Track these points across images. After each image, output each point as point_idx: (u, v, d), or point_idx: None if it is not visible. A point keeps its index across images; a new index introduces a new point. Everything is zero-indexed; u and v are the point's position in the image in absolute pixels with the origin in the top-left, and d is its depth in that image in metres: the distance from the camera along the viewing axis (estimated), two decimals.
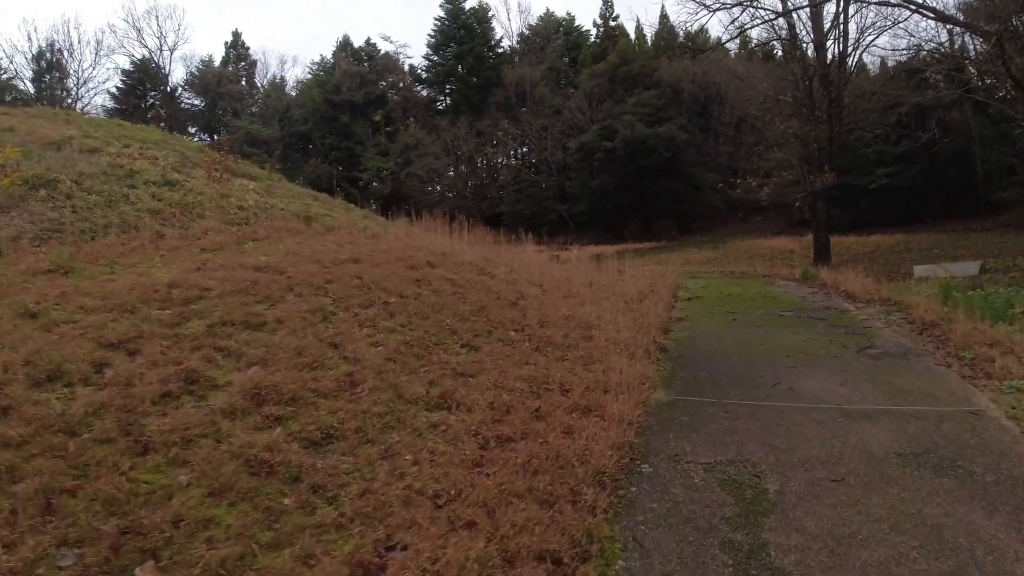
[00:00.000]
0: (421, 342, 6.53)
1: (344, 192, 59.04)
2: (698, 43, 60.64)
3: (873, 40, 31.17)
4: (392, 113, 64.80)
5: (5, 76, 63.81)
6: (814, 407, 5.88)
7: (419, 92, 70.63)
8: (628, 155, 49.59)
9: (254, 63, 72.09)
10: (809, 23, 27.61)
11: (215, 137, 66.42)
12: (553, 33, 70.86)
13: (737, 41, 57.92)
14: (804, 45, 28.87)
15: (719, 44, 30.05)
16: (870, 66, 46.69)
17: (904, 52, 32.07)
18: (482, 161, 63.80)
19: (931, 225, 38.14)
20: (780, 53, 41.70)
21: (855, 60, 29.88)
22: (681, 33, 65.20)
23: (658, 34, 65.17)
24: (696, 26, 45.19)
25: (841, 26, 27.02)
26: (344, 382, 5.43)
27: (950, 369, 6.98)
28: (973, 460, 4.76)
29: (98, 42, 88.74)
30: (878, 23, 26.88)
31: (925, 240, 32.91)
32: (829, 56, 27.83)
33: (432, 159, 56.07)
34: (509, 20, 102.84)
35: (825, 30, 27.61)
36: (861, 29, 27.71)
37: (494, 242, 17.47)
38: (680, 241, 49.40)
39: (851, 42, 27.69)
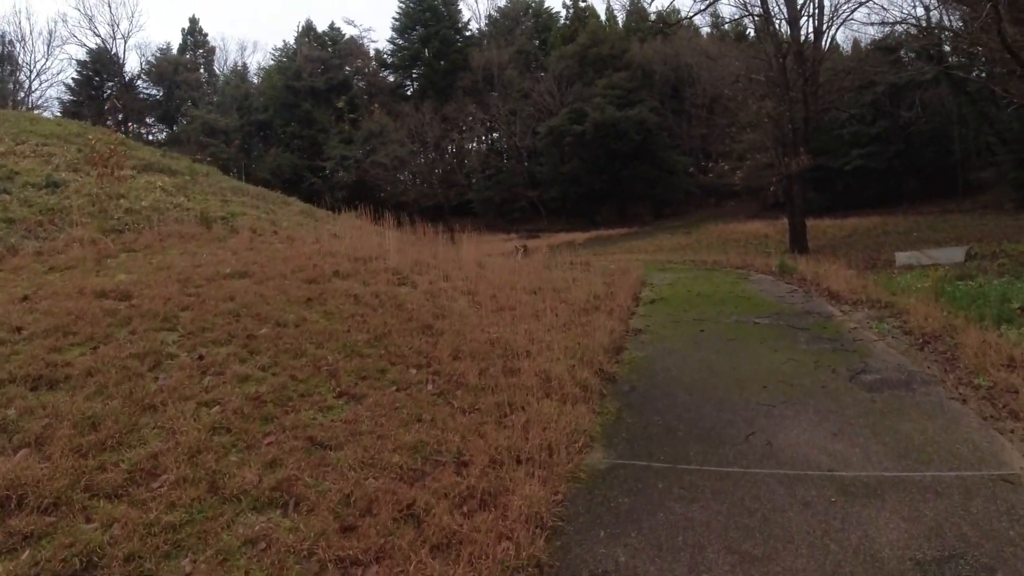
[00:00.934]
0: (280, 394, 4.95)
1: (307, 183, 57.22)
2: (669, 22, 59.37)
3: (850, 15, 29.76)
4: (356, 99, 62.67)
5: None
6: (800, 476, 4.37)
7: (385, 77, 68.53)
8: (599, 139, 48.05)
9: (212, 50, 69.52)
10: None
11: (174, 128, 63.91)
12: (522, 15, 68.95)
13: (709, 21, 56.64)
14: (777, 21, 27.43)
15: (689, 18, 28.31)
16: (843, 46, 45.60)
17: (880, 27, 30.74)
18: (450, 148, 61.93)
19: (908, 207, 37.07)
20: (752, 32, 40.36)
21: (830, 37, 28.53)
22: (652, 13, 63.84)
23: (629, 15, 63.57)
24: (666, 3, 43.49)
25: (816, 0, 25.60)
26: (141, 472, 3.84)
27: (966, 405, 5.51)
28: (1017, 567, 3.31)
29: (51, 32, 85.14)
30: None
31: (903, 223, 31.71)
32: (803, 33, 26.43)
33: (397, 146, 54.03)
34: (476, 2, 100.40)
35: (799, 5, 26.17)
36: (835, 5, 26.28)
37: (448, 237, 15.94)
38: (654, 227, 48.06)
39: (826, 17, 26.29)
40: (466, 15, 70.76)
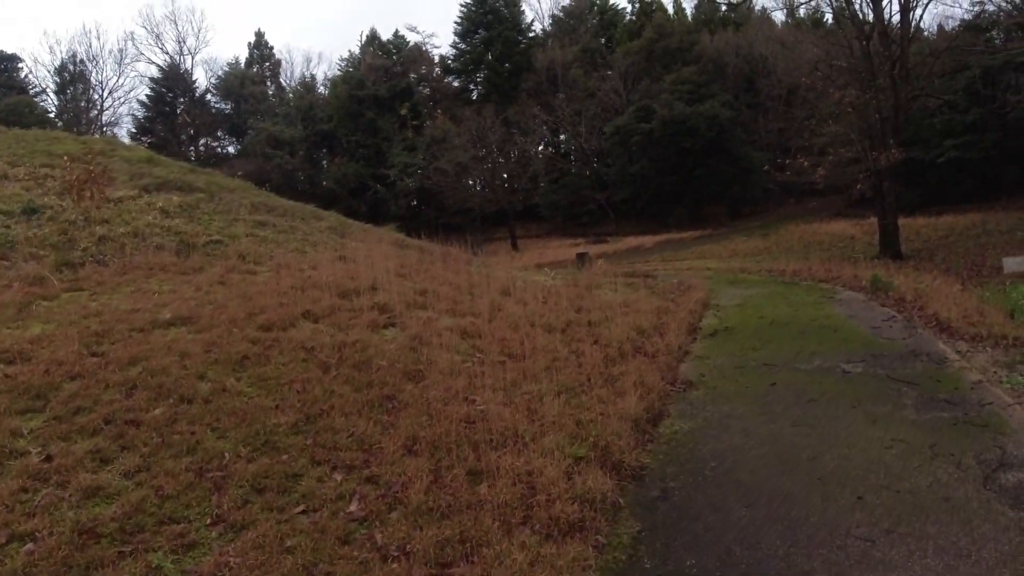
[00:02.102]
0: (129, 521, 3.34)
1: (371, 191, 56.74)
2: (740, 13, 56.25)
3: None
4: (419, 106, 61.91)
5: (32, 91, 63.27)
6: None
7: (449, 82, 67.57)
8: (668, 137, 45.50)
9: (278, 63, 70.10)
10: None
11: (241, 141, 64.65)
12: (587, 12, 66.81)
13: (783, 7, 53.28)
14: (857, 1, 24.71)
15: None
16: (928, 29, 42.04)
17: (971, 5, 27.48)
18: (513, 151, 60.46)
19: (1008, 202, 33.25)
20: (830, 20, 37.39)
21: (919, 15, 25.54)
22: (723, 4, 60.78)
23: (698, 6, 60.67)
24: None
25: None
26: None
27: None
28: None
29: (121, 51, 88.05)
30: None
31: (1004, 220, 28.17)
32: (888, 11, 23.69)
33: (460, 151, 52.78)
34: (539, 2, 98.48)
35: None
36: None
37: (510, 244, 14.32)
38: (729, 228, 45.24)
39: None
40: (529, 16, 69.00)
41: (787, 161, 39.59)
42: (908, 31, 23.68)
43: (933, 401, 5.70)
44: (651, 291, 12.64)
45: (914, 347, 7.51)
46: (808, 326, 8.90)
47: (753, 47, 49.17)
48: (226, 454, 4.03)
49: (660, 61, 50.76)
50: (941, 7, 70.99)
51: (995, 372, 6.44)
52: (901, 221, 25.54)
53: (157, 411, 4.44)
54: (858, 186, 26.92)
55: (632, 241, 44.13)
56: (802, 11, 49.75)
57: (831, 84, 26.33)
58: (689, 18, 61.19)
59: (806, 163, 23.41)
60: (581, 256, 28.57)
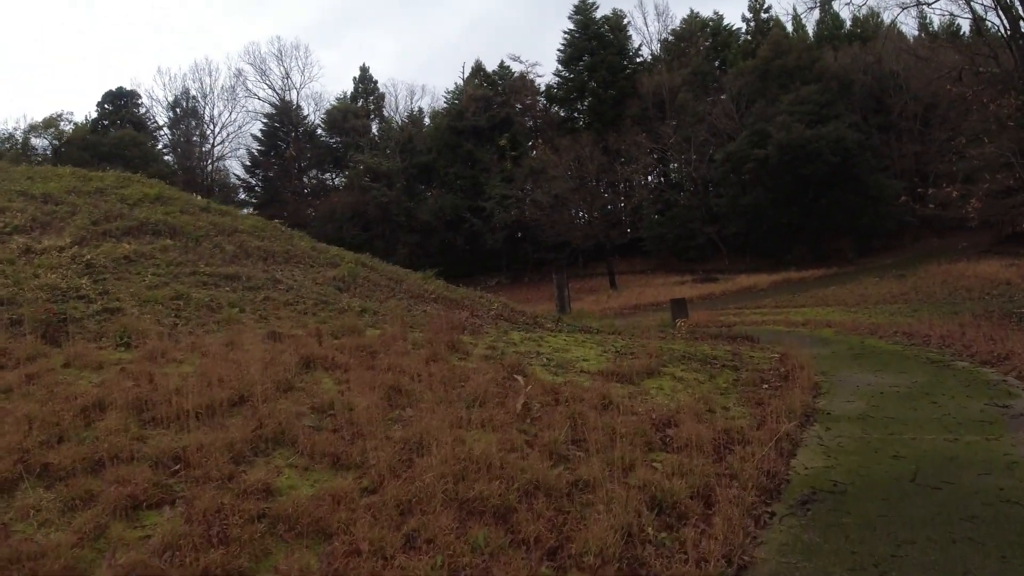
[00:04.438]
0: None
1: (467, 224, 54.81)
2: (867, 27, 50.84)
3: None
4: (519, 136, 59.81)
5: (152, 126, 65.97)
6: None
7: (551, 112, 65.24)
8: (785, 163, 40.93)
9: (382, 96, 70.06)
10: None
11: (344, 173, 64.58)
12: (698, 34, 62.89)
13: (915, 22, 47.69)
14: None
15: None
16: None
17: None
18: (621, 183, 57.15)
19: None
20: (966, 31, 32.22)
21: None
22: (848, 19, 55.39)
23: (820, 22, 55.63)
24: (865, 10, 36.25)
25: None
26: None
27: None
28: None
29: (232, 87, 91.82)
30: None
31: None
32: None
33: (560, 183, 49.91)
34: (646, 25, 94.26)
35: None
36: None
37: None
38: (857, 266, 39.94)
39: None
40: (636, 41, 65.69)
41: (929, 191, 34.16)
42: None
43: None
44: (733, 378, 9.20)
45: None
46: (983, 486, 5.12)
47: (883, 63, 43.88)
48: None
49: (777, 81, 46.35)
50: None
51: None
52: None
53: None
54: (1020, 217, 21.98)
55: (744, 280, 39.67)
56: (936, 21, 44.22)
57: (982, 94, 21.69)
58: (810, 35, 56.20)
59: (955, 192, 18.86)
60: (677, 303, 24.93)
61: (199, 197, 16.04)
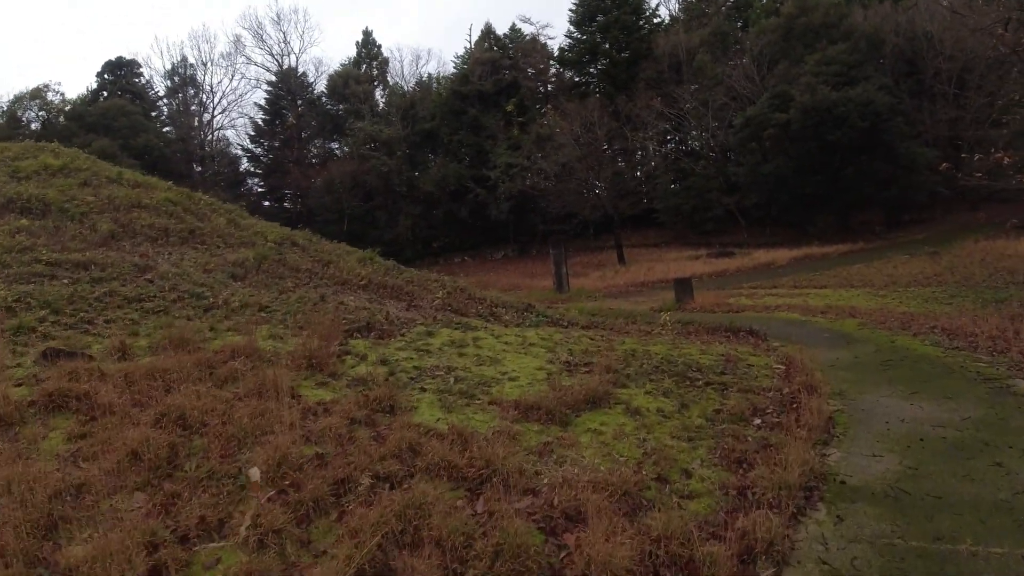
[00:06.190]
0: None
1: (472, 194, 52.14)
2: None
3: None
4: (527, 101, 56.72)
5: (152, 95, 63.74)
6: None
7: (563, 76, 61.97)
8: (809, 128, 37.66)
9: (386, 61, 67.12)
10: None
11: (347, 141, 62.01)
12: None
13: None
14: None
15: None
16: None
17: None
18: (635, 152, 53.96)
19: None
20: None
21: None
22: None
23: None
24: None
25: None
26: None
27: None
28: None
29: (229, 54, 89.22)
30: None
31: None
32: None
33: (568, 150, 46.87)
34: None
35: None
36: None
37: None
38: (885, 242, 36.85)
39: None
40: (653, 0, 62.08)
41: (975, 158, 30.87)
42: None
43: None
44: (714, 408, 6.71)
45: None
46: None
47: (915, 24, 40.21)
48: None
49: (801, 40, 42.86)
50: None
51: None
52: None
53: None
54: None
55: (762, 256, 36.71)
56: None
57: None
58: None
59: (1007, 158, 15.93)
60: (681, 283, 22.35)
61: (117, 169, 13.64)
